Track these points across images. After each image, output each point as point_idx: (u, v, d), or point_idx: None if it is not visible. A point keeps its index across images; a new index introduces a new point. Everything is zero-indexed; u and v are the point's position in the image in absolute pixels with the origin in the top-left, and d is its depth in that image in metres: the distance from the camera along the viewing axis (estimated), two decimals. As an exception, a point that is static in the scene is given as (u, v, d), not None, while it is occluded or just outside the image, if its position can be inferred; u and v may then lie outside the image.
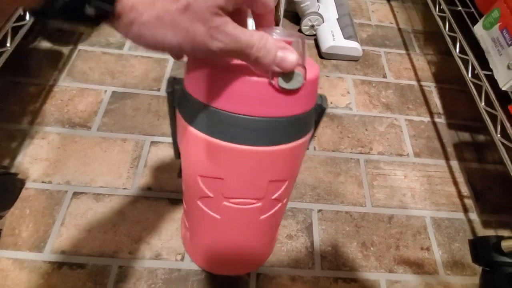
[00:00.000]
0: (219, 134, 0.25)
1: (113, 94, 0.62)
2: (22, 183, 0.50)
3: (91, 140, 0.56)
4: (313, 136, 0.33)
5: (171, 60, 0.68)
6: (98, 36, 0.70)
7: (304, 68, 0.22)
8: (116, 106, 0.60)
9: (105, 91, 0.62)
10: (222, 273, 0.45)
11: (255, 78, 0.23)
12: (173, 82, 0.27)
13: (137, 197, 0.51)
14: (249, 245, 0.39)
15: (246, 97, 0.23)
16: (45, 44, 0.67)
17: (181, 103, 0.28)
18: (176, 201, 0.51)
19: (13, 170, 0.50)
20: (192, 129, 0.26)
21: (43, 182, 0.51)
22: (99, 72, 0.64)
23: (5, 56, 0.49)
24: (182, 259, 0.46)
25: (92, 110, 0.59)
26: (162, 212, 0.50)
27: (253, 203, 0.31)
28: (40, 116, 0.57)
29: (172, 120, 0.30)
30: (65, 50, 0.67)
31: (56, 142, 0.55)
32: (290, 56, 0.20)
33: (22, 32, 0.52)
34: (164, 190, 0.52)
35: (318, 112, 0.30)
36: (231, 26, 0.18)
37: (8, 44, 0.49)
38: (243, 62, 0.21)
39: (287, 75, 0.22)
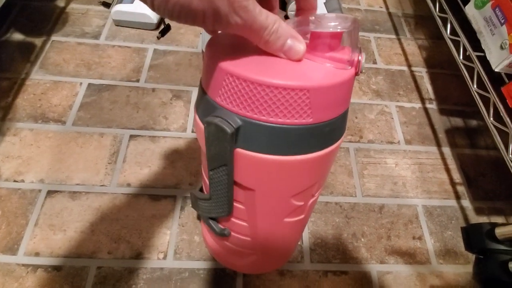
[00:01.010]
0: (311, 146, 0.22)
1: (89, 86, 0.58)
2: (-8, 183, 0.47)
3: (66, 136, 0.53)
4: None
5: (150, 49, 0.65)
6: (72, 25, 0.66)
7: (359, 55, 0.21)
8: (93, 99, 0.57)
9: (81, 83, 0.58)
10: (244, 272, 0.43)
11: (346, 75, 0.21)
12: (227, 119, 0.20)
13: (115, 194, 0.48)
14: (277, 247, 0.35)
15: (342, 98, 0.22)
16: (17, 36, 0.64)
17: (246, 139, 0.21)
18: (157, 197, 0.48)
19: (-18, 170, 0.47)
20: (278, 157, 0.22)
21: (15, 181, 0.48)
22: (74, 63, 0.61)
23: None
24: (164, 258, 0.44)
25: (67, 104, 0.56)
26: (142, 209, 0.47)
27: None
28: (12, 112, 0.54)
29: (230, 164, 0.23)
30: (38, 41, 0.63)
31: (28, 139, 0.52)
32: (297, 46, 0.20)
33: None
34: (145, 186, 0.49)
35: None
36: (252, 4, 0.18)
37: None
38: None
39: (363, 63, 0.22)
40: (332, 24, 0.20)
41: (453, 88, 0.68)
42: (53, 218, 0.45)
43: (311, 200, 0.29)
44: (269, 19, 0.19)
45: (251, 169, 0.23)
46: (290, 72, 0.20)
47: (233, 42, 0.23)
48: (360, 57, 0.21)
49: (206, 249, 0.45)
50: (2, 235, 0.44)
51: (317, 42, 0.21)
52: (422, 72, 0.71)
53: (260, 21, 0.18)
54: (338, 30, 0.20)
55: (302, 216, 0.30)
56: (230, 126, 0.20)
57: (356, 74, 0.22)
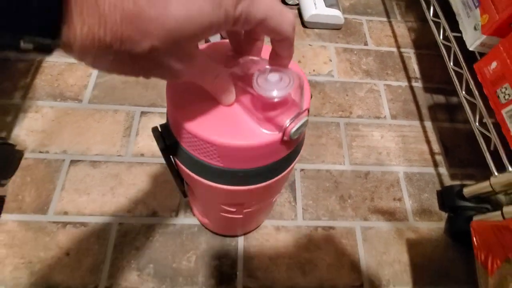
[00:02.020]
0: (221, 181, 0.26)
1: (101, 67, 0.63)
2: (20, 153, 0.53)
3: (84, 112, 0.58)
4: None
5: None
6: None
7: (307, 109, 0.23)
8: (105, 80, 0.62)
9: (93, 64, 0.63)
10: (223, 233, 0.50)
11: (263, 141, 0.23)
12: (162, 136, 0.26)
13: (131, 163, 0.54)
14: (243, 223, 0.43)
15: (255, 156, 0.24)
16: (29, 20, 0.68)
17: (179, 155, 0.27)
18: (168, 165, 0.55)
19: (10, 142, 0.53)
20: (196, 177, 0.27)
21: (40, 152, 0.54)
22: (85, 46, 0.65)
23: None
24: (176, 215, 0.51)
25: (82, 84, 0.61)
26: (156, 175, 0.54)
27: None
28: (32, 91, 0.59)
29: (172, 170, 0.30)
30: (50, 25, 0.67)
31: (50, 115, 0.57)
32: (225, 101, 0.23)
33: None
34: (156, 156, 0.55)
35: None
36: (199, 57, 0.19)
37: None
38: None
39: (300, 127, 0.23)
40: (270, 91, 0.21)
41: (438, 68, 0.73)
42: (77, 184, 0.52)
43: (246, 211, 0.35)
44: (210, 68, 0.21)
45: (187, 177, 0.29)
46: (218, 125, 0.23)
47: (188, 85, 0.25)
48: (292, 126, 0.22)
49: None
50: (32, 198, 0.50)
51: (257, 102, 0.23)
52: (410, 53, 0.76)
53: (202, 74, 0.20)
54: (275, 99, 0.21)
55: (240, 216, 0.37)
56: (163, 143, 0.26)
57: (285, 138, 0.23)
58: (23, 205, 0.49)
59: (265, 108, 0.23)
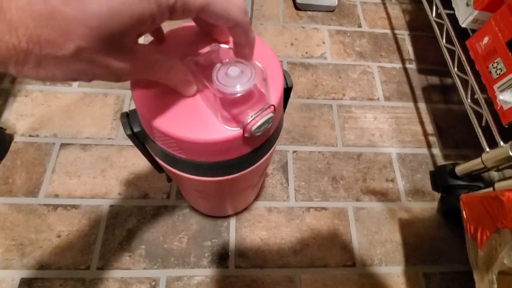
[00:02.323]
0: (187, 171, 0.26)
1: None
2: (10, 137, 0.53)
3: (74, 96, 0.58)
4: (285, 108, 0.33)
5: (146, 16, 0.68)
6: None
7: (273, 106, 0.22)
8: (95, 63, 0.61)
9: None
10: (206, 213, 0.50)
11: (225, 136, 0.22)
12: (129, 123, 0.25)
13: (122, 146, 0.54)
14: (224, 205, 0.43)
15: (215, 151, 0.23)
16: None
17: (147, 142, 0.27)
18: (159, 148, 0.54)
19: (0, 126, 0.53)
20: (166, 165, 0.27)
21: (30, 135, 0.53)
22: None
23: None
24: (168, 197, 0.51)
25: (72, 67, 0.60)
26: (147, 157, 0.53)
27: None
28: (21, 75, 0.59)
29: (143, 152, 0.29)
30: None
31: (39, 99, 0.57)
32: (187, 91, 0.22)
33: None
34: (147, 138, 0.55)
35: (285, 90, 0.28)
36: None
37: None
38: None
39: (261, 125, 0.22)
40: (229, 87, 0.20)
41: (432, 49, 0.72)
42: (68, 166, 0.51)
43: (224, 196, 0.35)
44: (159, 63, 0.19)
45: (159, 162, 0.29)
46: (178, 118, 0.22)
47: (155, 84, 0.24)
48: (253, 123, 0.21)
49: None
50: (23, 181, 0.50)
51: (217, 96, 0.22)
52: (404, 35, 0.75)
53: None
54: (234, 95, 0.20)
55: (219, 201, 0.37)
56: (129, 130, 0.25)
57: (246, 135, 0.22)
58: (13, 188, 0.49)
59: (225, 103, 0.22)
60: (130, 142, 0.54)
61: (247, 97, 0.22)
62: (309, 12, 0.75)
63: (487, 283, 0.29)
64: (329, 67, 0.67)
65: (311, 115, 0.61)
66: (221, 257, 0.47)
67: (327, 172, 0.56)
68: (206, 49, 0.24)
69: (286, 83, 0.26)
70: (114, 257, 0.46)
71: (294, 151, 0.57)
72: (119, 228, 0.48)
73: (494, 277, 0.28)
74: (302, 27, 0.72)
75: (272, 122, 0.23)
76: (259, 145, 0.26)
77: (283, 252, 0.48)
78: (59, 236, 0.47)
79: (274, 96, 0.24)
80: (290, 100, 0.62)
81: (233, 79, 0.21)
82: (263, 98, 0.22)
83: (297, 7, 0.74)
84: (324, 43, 0.70)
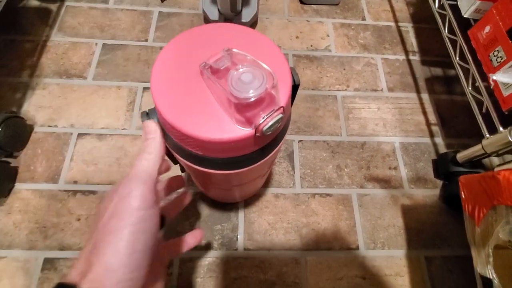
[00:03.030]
0: (201, 165, 0.28)
1: (104, 46, 0.65)
2: (31, 127, 0.56)
3: (89, 89, 0.60)
4: (291, 104, 0.34)
5: (155, 12, 0.71)
6: (83, -9, 0.72)
7: (282, 107, 0.23)
8: (108, 57, 0.64)
9: (96, 44, 0.65)
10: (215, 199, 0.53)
11: (237, 135, 0.24)
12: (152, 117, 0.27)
13: (135, 136, 0.57)
14: (233, 194, 0.46)
15: (229, 149, 0.25)
16: (34, 2, 0.70)
17: (165, 137, 0.28)
18: (170, 137, 0.57)
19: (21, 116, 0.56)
20: (181, 159, 0.29)
21: (49, 126, 0.56)
22: (88, 26, 0.67)
23: (-2, 9, 0.52)
24: (179, 184, 0.53)
25: (86, 61, 0.63)
26: (159, 146, 0.56)
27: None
28: (39, 69, 0.62)
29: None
30: (53, 7, 0.69)
31: (56, 92, 0.60)
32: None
33: (10, -14, 0.54)
34: (159, 128, 0.57)
35: (292, 87, 0.30)
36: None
37: (-1, -2, 0.52)
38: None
39: (271, 125, 0.23)
40: (243, 92, 0.22)
41: (436, 41, 0.73)
42: (85, 155, 0.54)
43: (234, 187, 0.37)
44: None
45: (174, 154, 0.31)
46: (194, 118, 0.24)
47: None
48: (264, 123, 0.23)
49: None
50: (44, 169, 0.53)
51: (231, 100, 0.24)
52: (408, 27, 0.76)
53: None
54: (249, 100, 0.22)
55: (226, 191, 0.40)
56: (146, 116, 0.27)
57: (258, 135, 0.24)
58: (35, 175, 0.52)
59: (239, 106, 0.24)
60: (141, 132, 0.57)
61: (259, 101, 0.24)
62: (314, 6, 0.76)
63: (484, 257, 0.31)
64: (334, 59, 0.69)
65: (316, 105, 0.63)
66: (231, 240, 0.50)
67: (332, 160, 0.58)
68: (219, 54, 0.26)
69: (294, 81, 0.28)
70: (130, 239, 0.49)
71: (300, 141, 0.59)
72: (134, 213, 0.51)
73: (490, 251, 0.30)
74: (307, 20, 0.74)
75: (281, 122, 0.24)
76: (268, 141, 0.28)
77: (290, 235, 0.51)
78: (78, 220, 0.50)
79: (283, 96, 0.25)
80: (295, 91, 0.64)
81: (246, 85, 0.22)
82: (273, 100, 0.24)
83: (302, 1, 0.76)
84: (328, 36, 0.72)
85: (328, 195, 0.55)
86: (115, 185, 0.23)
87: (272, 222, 0.52)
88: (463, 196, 0.40)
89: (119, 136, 0.56)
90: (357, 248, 0.51)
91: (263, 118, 0.23)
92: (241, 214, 0.52)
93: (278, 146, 0.31)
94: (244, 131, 0.24)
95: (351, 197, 0.55)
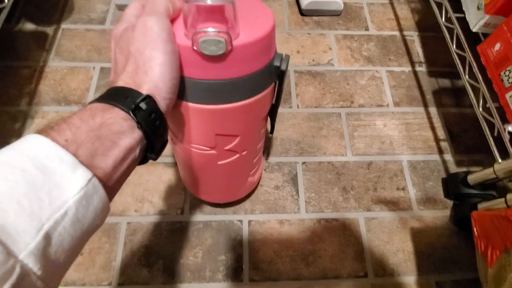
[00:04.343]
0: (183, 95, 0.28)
1: (102, 70, 0.64)
2: (31, 159, 0.55)
3: (87, 115, 0.59)
4: (279, 97, 0.35)
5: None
6: (79, 12, 0.71)
7: (228, 34, 0.23)
8: (107, 81, 0.63)
9: (94, 67, 0.64)
10: (207, 200, 0.51)
11: (181, 43, 0.24)
12: None
13: (136, 163, 0.56)
14: (216, 183, 0.45)
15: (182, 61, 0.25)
16: (29, 26, 0.69)
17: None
18: (171, 164, 0.56)
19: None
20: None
21: (49, 156, 0.56)
22: (85, 49, 0.66)
23: (-8, 41, 0.51)
24: (182, 213, 0.52)
25: (84, 87, 0.62)
26: (160, 174, 0.55)
27: (208, 150, 0.35)
28: (37, 97, 0.61)
29: None
30: (49, 30, 0.68)
31: (56, 120, 0.59)
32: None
33: (3, 15, 0.54)
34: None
35: (276, 73, 0.30)
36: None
37: (-7, 29, 0.51)
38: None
39: (207, 41, 0.23)
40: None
41: (443, 51, 0.71)
42: (86, 185, 0.54)
43: (225, 148, 0.36)
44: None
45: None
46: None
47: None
48: (201, 35, 0.23)
49: (214, 206, 0.53)
50: (46, 201, 0.52)
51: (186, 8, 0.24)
52: (413, 36, 0.73)
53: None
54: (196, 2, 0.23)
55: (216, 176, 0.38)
56: None
57: (195, 48, 0.24)
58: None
59: (191, 18, 0.24)
60: (143, 160, 0.56)
61: (210, 16, 0.24)
62: (315, 18, 0.74)
63: (499, 303, 0.29)
64: (337, 74, 0.67)
65: (320, 124, 0.61)
66: (235, 271, 0.49)
67: (337, 182, 0.56)
68: None
69: (280, 65, 0.29)
70: (134, 273, 0.48)
71: (304, 162, 0.58)
72: (137, 245, 0.50)
73: (506, 298, 0.28)
74: (308, 33, 0.72)
75: (224, 49, 0.24)
76: (237, 76, 0.27)
77: (296, 264, 0.50)
78: (81, 254, 0.49)
79: (242, 34, 0.25)
80: (298, 110, 0.63)
81: None
82: (226, 25, 0.24)
83: (302, 13, 0.73)
84: (331, 49, 0.70)
85: (334, 219, 0.53)
86: (125, 20, 0.24)
87: (278, 251, 0.50)
88: (476, 233, 0.38)
89: (119, 165, 0.55)
90: (365, 275, 0.50)
91: (202, 30, 0.23)
92: (245, 242, 0.51)
93: (259, 95, 0.30)
94: (185, 41, 0.24)
95: (358, 221, 0.53)
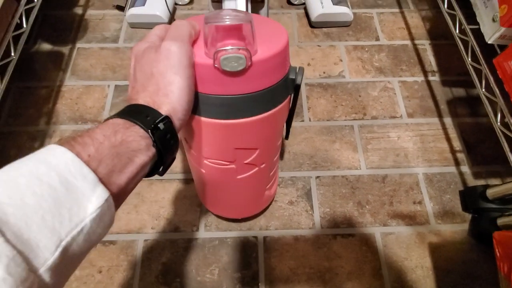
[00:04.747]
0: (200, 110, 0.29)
1: (116, 88, 0.65)
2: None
3: (103, 133, 0.61)
4: (293, 110, 0.36)
5: (165, 47, 0.71)
6: (93, 31, 0.73)
7: (247, 51, 0.25)
8: (121, 99, 0.64)
9: (108, 85, 0.66)
10: (220, 215, 0.52)
11: (202, 62, 0.25)
12: None
13: (151, 180, 0.57)
14: (235, 197, 0.45)
15: (199, 77, 0.27)
16: (46, 46, 0.71)
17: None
18: (185, 181, 0.57)
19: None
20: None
21: (68, 175, 0.57)
22: (100, 68, 0.68)
23: (12, 65, 0.53)
24: (197, 230, 0.53)
25: (100, 105, 0.64)
26: (175, 191, 0.56)
27: (227, 165, 0.36)
28: (55, 116, 0.63)
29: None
30: (65, 49, 0.70)
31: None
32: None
33: (22, 39, 0.55)
34: (174, 172, 0.57)
35: (292, 86, 0.31)
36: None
37: (12, 54, 0.53)
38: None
39: (228, 58, 0.24)
40: (218, 18, 0.24)
41: (456, 59, 0.70)
42: (103, 203, 0.55)
43: (244, 162, 0.36)
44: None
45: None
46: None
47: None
48: (223, 53, 0.24)
49: (230, 222, 0.53)
50: (65, 219, 0.54)
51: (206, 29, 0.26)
52: (425, 45, 0.72)
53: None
54: (218, 23, 0.24)
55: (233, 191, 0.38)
56: None
57: (216, 65, 0.25)
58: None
59: (211, 35, 0.25)
60: (158, 177, 0.57)
61: (227, 35, 0.25)
62: (324, 29, 0.74)
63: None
64: (348, 86, 0.67)
65: (332, 138, 0.61)
66: (252, 288, 0.49)
67: (352, 197, 0.56)
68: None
69: (296, 79, 0.30)
70: (151, 291, 0.49)
71: (317, 177, 0.57)
72: (154, 262, 0.50)
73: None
74: (318, 45, 0.72)
75: (244, 65, 0.25)
76: (256, 90, 0.28)
77: (313, 281, 0.49)
78: (100, 272, 0.50)
79: (259, 50, 0.26)
80: (310, 123, 0.63)
81: (223, 13, 0.25)
82: (244, 41, 0.25)
83: (311, 25, 0.74)
84: (341, 60, 0.70)
85: (350, 235, 0.53)
86: (148, 40, 0.25)
87: (294, 268, 0.50)
88: (498, 255, 0.38)
89: (135, 182, 0.56)
90: (384, 292, 0.49)
91: (223, 49, 0.24)
92: (261, 259, 0.51)
93: (275, 109, 0.30)
94: (207, 59, 0.25)
95: (374, 236, 0.53)
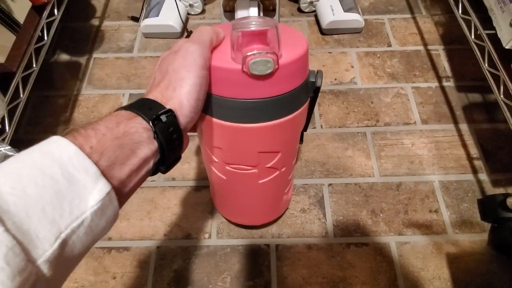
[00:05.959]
0: (210, 112, 0.30)
1: (131, 96, 0.67)
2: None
3: (118, 141, 0.62)
4: (311, 112, 0.36)
5: (178, 56, 0.72)
6: (109, 42, 0.75)
7: (275, 54, 0.25)
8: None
9: (123, 94, 0.67)
10: (238, 222, 0.52)
11: (229, 67, 0.26)
12: None
13: (164, 187, 0.57)
14: (255, 203, 0.45)
15: (225, 82, 0.27)
16: (64, 57, 0.73)
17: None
18: (198, 188, 0.57)
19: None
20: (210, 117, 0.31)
21: (84, 181, 0.58)
22: (115, 77, 0.70)
23: (33, 76, 0.55)
24: (209, 237, 0.53)
25: (115, 113, 0.65)
26: (187, 198, 0.56)
27: (250, 169, 0.36)
28: (72, 124, 0.64)
29: None
30: (82, 60, 0.73)
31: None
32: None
33: (43, 51, 0.58)
34: (186, 179, 0.58)
35: (312, 89, 0.32)
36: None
37: (34, 65, 0.55)
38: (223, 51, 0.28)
39: (257, 62, 0.25)
40: (245, 25, 0.26)
41: (471, 64, 0.68)
42: (117, 210, 0.56)
43: (264, 167, 0.36)
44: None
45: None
46: (215, 56, 0.28)
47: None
48: (251, 57, 0.25)
49: (241, 229, 0.53)
50: (81, 225, 0.55)
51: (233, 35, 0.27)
52: (438, 50, 0.71)
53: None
54: (245, 28, 0.25)
55: (259, 180, 0.38)
56: None
57: (245, 69, 0.26)
58: (72, 232, 0.54)
59: (238, 42, 0.26)
60: (171, 183, 0.57)
61: (254, 40, 0.26)
62: (335, 36, 0.74)
63: None
64: (360, 92, 0.66)
65: (345, 145, 0.61)
66: (264, 297, 0.48)
67: (366, 205, 0.55)
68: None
69: (316, 81, 0.31)
70: (164, 298, 0.49)
71: (330, 184, 0.57)
72: (166, 269, 0.51)
73: None
74: (329, 52, 0.72)
75: (272, 68, 0.26)
76: (281, 93, 0.28)
77: (326, 291, 0.48)
78: (114, 278, 0.50)
79: (287, 52, 0.27)
80: (321, 130, 0.62)
81: (249, 20, 0.26)
82: (269, 45, 0.26)
83: (322, 32, 0.74)
84: (353, 67, 0.69)
85: (364, 244, 0.52)
86: (175, 46, 0.26)
87: (307, 277, 0.50)
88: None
89: (148, 189, 0.57)
90: (400, 304, 0.48)
91: (252, 53, 0.25)
92: (273, 268, 0.50)
93: (296, 112, 0.31)
94: (234, 64, 0.26)
95: (389, 246, 0.52)
